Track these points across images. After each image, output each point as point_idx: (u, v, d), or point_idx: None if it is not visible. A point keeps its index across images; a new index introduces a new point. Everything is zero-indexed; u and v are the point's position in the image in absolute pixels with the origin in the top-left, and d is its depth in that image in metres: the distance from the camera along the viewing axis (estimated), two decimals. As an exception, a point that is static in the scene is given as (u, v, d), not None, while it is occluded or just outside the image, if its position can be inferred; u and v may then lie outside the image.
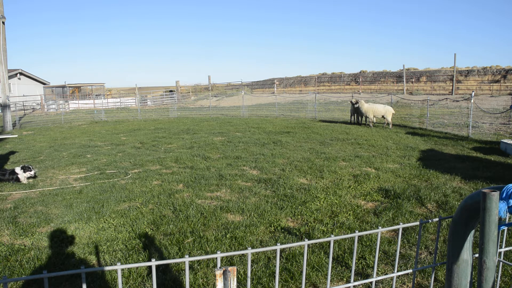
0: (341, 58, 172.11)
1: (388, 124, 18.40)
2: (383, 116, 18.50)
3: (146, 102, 45.58)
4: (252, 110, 29.24)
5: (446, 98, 25.30)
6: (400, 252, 4.79)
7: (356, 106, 19.24)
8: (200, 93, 52.78)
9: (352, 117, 20.23)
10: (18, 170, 8.75)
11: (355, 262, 4.52)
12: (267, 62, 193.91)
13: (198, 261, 4.52)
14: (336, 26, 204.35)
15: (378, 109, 18.68)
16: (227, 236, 5.35)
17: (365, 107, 18.94)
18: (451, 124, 17.72)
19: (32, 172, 8.91)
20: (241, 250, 4.95)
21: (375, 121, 19.31)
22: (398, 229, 2.01)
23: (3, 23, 21.06)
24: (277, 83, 54.85)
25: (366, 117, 19.01)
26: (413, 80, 44.62)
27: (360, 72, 52.22)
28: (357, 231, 1.97)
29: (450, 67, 44.12)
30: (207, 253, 4.87)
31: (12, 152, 12.91)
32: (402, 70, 45.04)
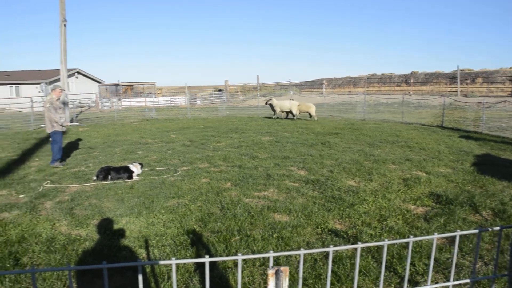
0: (392, 59, 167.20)
1: (294, 116, 22.85)
2: (308, 113, 22.91)
3: (196, 101, 46.45)
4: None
5: (505, 101, 24.05)
6: (452, 261, 4.61)
7: (269, 103, 23.57)
8: (248, 92, 53.16)
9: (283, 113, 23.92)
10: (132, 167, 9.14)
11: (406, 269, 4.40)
12: (316, 63, 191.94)
13: (245, 259, 4.56)
14: (386, 27, 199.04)
15: (284, 104, 23.21)
16: (274, 236, 5.37)
17: (274, 102, 23.32)
18: (510, 128, 16.82)
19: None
20: (287, 250, 4.96)
21: (284, 116, 23.64)
22: (452, 236, 1.94)
23: (65, 25, 22.24)
24: (325, 83, 54.18)
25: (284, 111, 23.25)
26: (468, 81, 42.68)
27: (411, 73, 50.53)
28: (411, 236, 1.92)
29: (510, 68, 41.87)
30: (253, 252, 4.91)
31: (72, 147, 13.57)
32: (456, 71, 43.18)
